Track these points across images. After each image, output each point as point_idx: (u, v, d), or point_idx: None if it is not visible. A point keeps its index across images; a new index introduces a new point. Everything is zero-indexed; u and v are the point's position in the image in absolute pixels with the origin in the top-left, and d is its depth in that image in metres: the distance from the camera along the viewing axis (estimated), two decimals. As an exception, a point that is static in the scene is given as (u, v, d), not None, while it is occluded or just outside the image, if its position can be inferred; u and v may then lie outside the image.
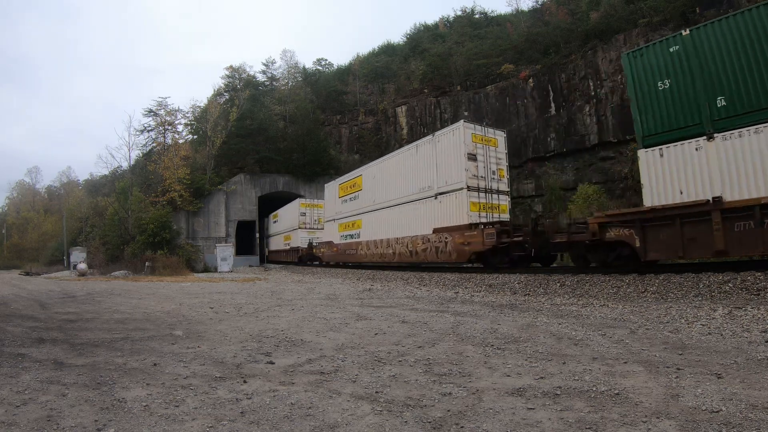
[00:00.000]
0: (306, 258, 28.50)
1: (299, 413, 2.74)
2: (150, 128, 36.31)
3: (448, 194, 14.17)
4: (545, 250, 12.18)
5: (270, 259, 39.45)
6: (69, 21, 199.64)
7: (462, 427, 2.48)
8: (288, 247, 32.48)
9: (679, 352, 4.01)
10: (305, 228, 30.10)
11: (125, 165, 33.96)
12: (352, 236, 21.02)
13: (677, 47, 8.56)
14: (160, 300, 10.11)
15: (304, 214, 30.51)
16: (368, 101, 43.22)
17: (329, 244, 23.66)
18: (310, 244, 27.87)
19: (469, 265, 14.83)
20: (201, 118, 37.14)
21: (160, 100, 35.93)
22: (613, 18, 27.20)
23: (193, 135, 39.48)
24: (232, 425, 2.58)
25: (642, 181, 8.92)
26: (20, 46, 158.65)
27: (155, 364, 4.04)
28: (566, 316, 6.40)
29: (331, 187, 24.30)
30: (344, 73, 48.58)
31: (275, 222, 38.37)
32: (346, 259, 22.07)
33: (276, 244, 37.85)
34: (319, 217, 29.45)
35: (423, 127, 36.57)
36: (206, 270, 28.22)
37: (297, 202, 31.09)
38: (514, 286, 10.36)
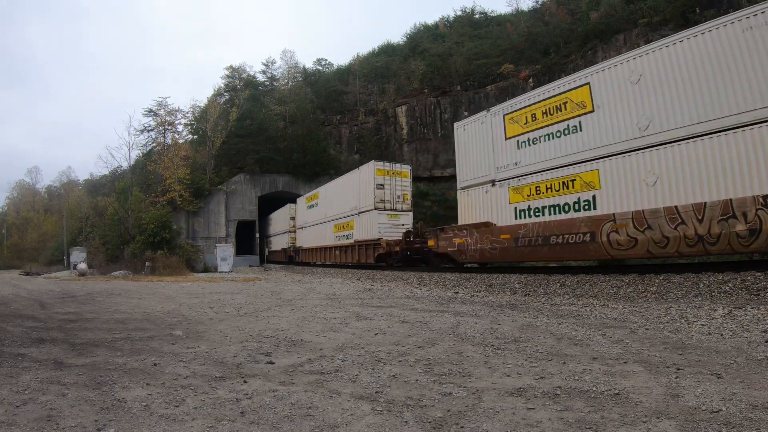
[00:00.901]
0: (398, 258, 17.59)
1: (299, 413, 2.74)
2: (150, 128, 36.33)
3: None
4: None
5: (301, 260, 28.80)
6: (69, 21, 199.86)
7: (462, 427, 2.48)
8: (347, 242, 21.28)
9: (679, 352, 4.02)
10: (384, 209, 18.99)
11: (125, 165, 33.99)
12: (564, 207, 10.74)
13: None
14: (160, 300, 10.10)
15: (381, 187, 19.08)
16: (368, 101, 43.20)
17: (481, 229, 12.59)
18: (411, 233, 17.95)
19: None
20: (201, 118, 37.13)
21: (160, 100, 35.93)
22: (613, 18, 27.21)
23: (193, 135, 39.46)
24: (232, 425, 2.58)
25: None
26: (21, 46, 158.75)
27: (155, 364, 4.04)
28: (566, 316, 6.41)
29: (479, 124, 13.54)
30: (344, 73, 48.53)
31: (311, 207, 27.22)
32: (553, 257, 10.86)
33: (312, 238, 26.48)
34: (404, 193, 19.84)
35: (423, 127, 36.58)
36: (206, 270, 28.21)
37: (369, 168, 19.53)
38: (514, 286, 10.37)
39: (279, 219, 35.04)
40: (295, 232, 30.77)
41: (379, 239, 18.38)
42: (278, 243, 35.02)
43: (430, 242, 14.95)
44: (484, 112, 13.70)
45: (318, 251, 25.31)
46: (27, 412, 2.87)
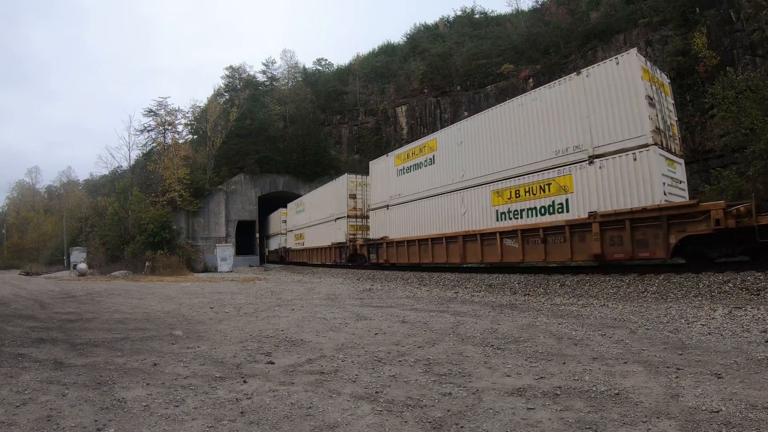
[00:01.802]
0: None
1: (299, 413, 2.74)
2: (150, 128, 36.40)
3: None
4: None
5: (386, 260, 17.25)
6: (70, 22, 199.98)
7: (462, 427, 2.47)
8: (548, 221, 10.62)
9: (679, 352, 4.01)
10: (662, 148, 9.25)
11: (125, 165, 34.09)
12: None
13: None
14: (160, 300, 10.10)
15: (652, 103, 9.25)
16: (368, 101, 43.19)
17: None
18: None
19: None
20: (201, 118, 37.16)
21: (160, 100, 35.98)
22: (613, 18, 27.19)
23: (193, 135, 39.49)
24: (232, 425, 2.58)
25: None
26: (21, 46, 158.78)
27: (155, 364, 4.04)
28: (566, 316, 6.40)
29: None
30: (344, 73, 48.55)
31: (407, 172, 16.49)
32: None
33: (414, 222, 15.74)
34: (673, 123, 10.59)
35: (423, 127, 36.53)
36: (206, 270, 28.22)
37: (627, 63, 9.37)
38: (514, 286, 10.36)
39: (314, 203, 25.58)
40: (362, 217, 20.64)
41: (690, 205, 8.37)
42: (314, 238, 24.83)
43: None
44: None
45: (438, 244, 14.29)
46: (27, 412, 2.87)
